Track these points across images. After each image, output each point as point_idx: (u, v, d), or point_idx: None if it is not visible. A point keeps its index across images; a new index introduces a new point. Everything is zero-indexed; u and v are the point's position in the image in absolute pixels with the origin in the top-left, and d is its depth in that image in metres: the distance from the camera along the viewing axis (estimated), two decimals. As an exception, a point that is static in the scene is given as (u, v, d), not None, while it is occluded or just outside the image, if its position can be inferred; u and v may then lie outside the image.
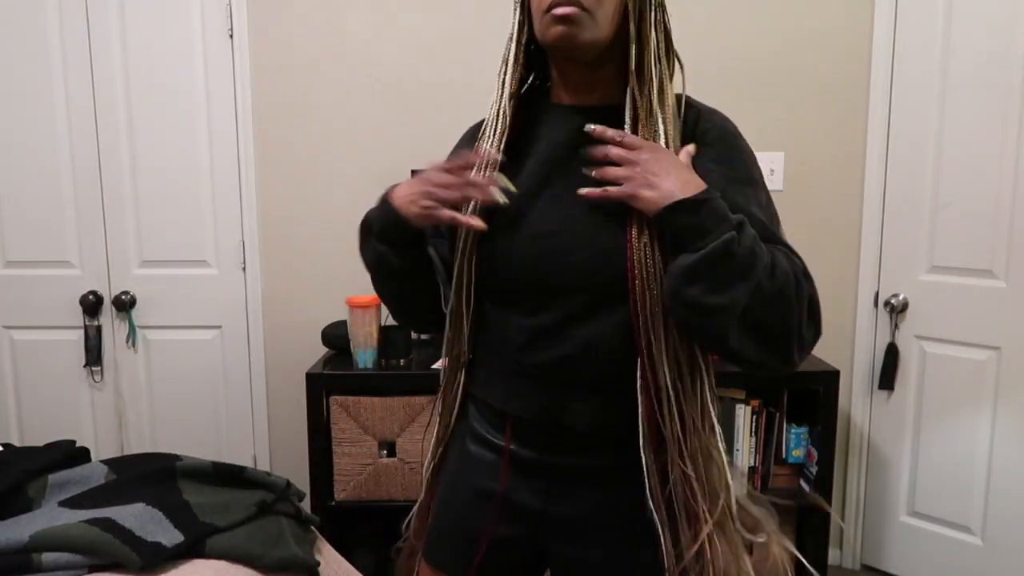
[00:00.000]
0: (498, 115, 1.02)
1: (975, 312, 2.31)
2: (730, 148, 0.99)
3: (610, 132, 0.92)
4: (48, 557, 1.26)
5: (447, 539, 1.13)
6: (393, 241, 1.02)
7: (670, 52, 0.99)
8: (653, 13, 0.96)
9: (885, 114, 2.45)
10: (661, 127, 0.94)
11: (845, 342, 2.56)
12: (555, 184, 1.00)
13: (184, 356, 2.64)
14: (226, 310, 2.62)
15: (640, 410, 0.95)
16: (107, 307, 2.61)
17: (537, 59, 1.05)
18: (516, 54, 1.02)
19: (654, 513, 0.96)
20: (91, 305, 2.57)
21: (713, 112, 1.02)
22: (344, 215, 2.56)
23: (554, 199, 0.99)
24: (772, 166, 2.51)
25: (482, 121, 1.09)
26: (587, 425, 1.00)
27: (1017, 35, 2.16)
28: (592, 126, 0.93)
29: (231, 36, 2.49)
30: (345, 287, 2.50)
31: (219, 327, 2.63)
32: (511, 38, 1.02)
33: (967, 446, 2.35)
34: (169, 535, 1.35)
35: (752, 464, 2.34)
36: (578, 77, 1.01)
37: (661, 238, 0.91)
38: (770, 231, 0.94)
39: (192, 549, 1.35)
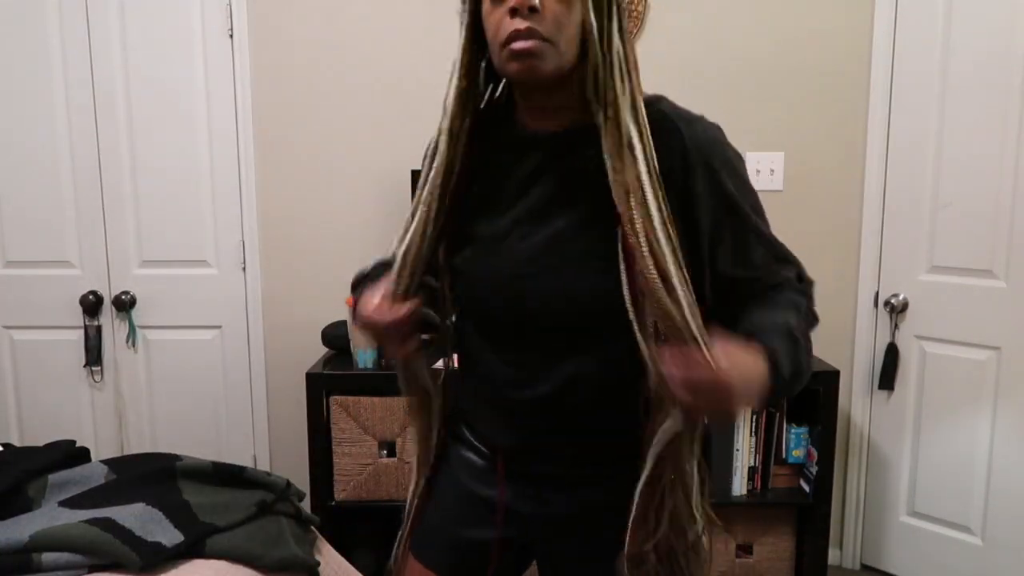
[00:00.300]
0: (440, 149, 0.97)
1: (975, 312, 2.31)
2: (726, 161, 0.94)
3: (674, 375, 0.80)
4: (48, 557, 1.26)
5: (437, 539, 1.13)
6: None
7: (634, 61, 0.92)
8: (613, 23, 0.89)
9: (885, 114, 2.45)
10: (638, 144, 0.87)
11: (845, 342, 2.56)
12: (526, 220, 0.97)
13: (184, 356, 2.64)
14: (226, 310, 2.62)
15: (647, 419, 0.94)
16: (107, 307, 2.61)
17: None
18: (459, 81, 0.95)
19: (635, 503, 0.95)
20: (91, 305, 2.57)
21: (695, 120, 0.94)
22: (344, 215, 2.56)
23: (527, 236, 0.96)
24: (772, 166, 2.51)
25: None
26: (576, 453, 1.01)
27: (1017, 35, 2.16)
28: (664, 369, 0.82)
29: (231, 36, 2.49)
30: (345, 287, 2.48)
31: (219, 327, 2.63)
32: (455, 64, 0.95)
33: (967, 446, 2.35)
34: (169, 535, 1.35)
35: (752, 464, 2.34)
36: (542, 101, 0.96)
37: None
38: (779, 251, 0.98)
39: (192, 549, 1.36)
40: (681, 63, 2.45)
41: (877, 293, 2.52)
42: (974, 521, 2.35)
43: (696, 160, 0.91)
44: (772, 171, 2.50)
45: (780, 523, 2.41)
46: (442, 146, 0.97)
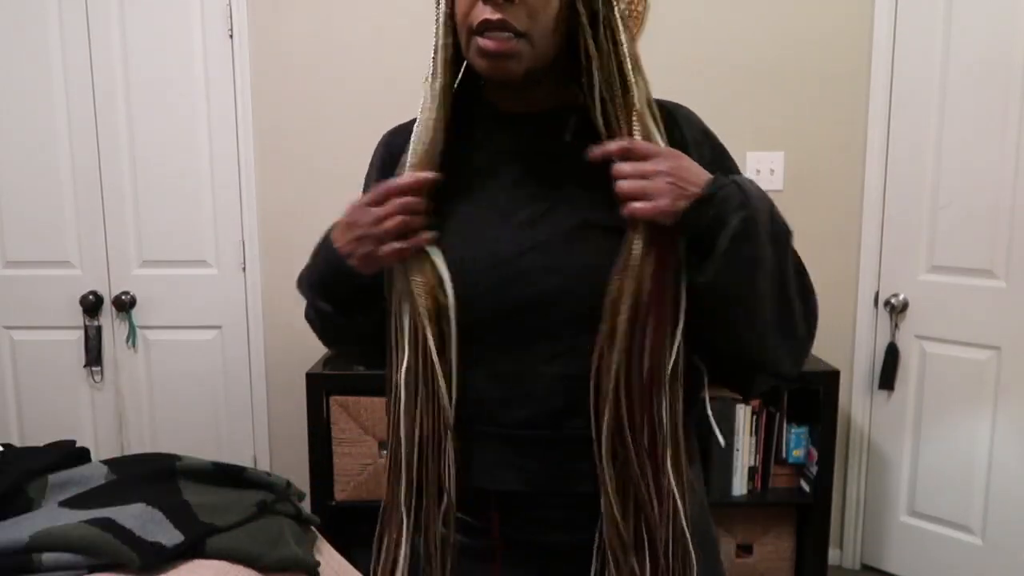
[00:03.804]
0: (431, 129, 0.86)
1: (975, 312, 2.31)
2: (714, 147, 0.91)
3: (613, 147, 0.78)
4: (48, 557, 1.26)
5: None
6: (339, 298, 0.91)
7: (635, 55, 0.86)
8: (612, 9, 0.82)
9: (885, 114, 2.45)
10: (654, 129, 0.83)
11: (845, 342, 2.56)
12: (505, 201, 0.87)
13: (184, 356, 2.64)
14: (226, 310, 2.62)
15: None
16: (107, 307, 2.61)
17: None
18: (444, 58, 0.86)
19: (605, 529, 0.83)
20: (91, 305, 2.57)
21: (678, 106, 0.92)
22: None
23: (506, 216, 0.86)
24: (772, 166, 2.51)
25: (398, 129, 0.97)
26: (591, 485, 0.84)
27: (1017, 36, 2.15)
28: (594, 150, 0.78)
29: (231, 36, 2.48)
30: (345, 287, 2.50)
31: (219, 327, 2.63)
32: (436, 36, 0.87)
33: (967, 446, 2.35)
34: (169, 535, 1.35)
35: (752, 464, 2.34)
36: (514, 94, 0.89)
37: (663, 254, 0.80)
38: None
39: (192, 549, 1.35)
40: (681, 63, 2.45)
41: (877, 293, 2.52)
42: (974, 521, 2.35)
43: (690, 137, 0.89)
44: (772, 171, 2.50)
45: (780, 523, 2.41)
46: (427, 134, 0.87)
